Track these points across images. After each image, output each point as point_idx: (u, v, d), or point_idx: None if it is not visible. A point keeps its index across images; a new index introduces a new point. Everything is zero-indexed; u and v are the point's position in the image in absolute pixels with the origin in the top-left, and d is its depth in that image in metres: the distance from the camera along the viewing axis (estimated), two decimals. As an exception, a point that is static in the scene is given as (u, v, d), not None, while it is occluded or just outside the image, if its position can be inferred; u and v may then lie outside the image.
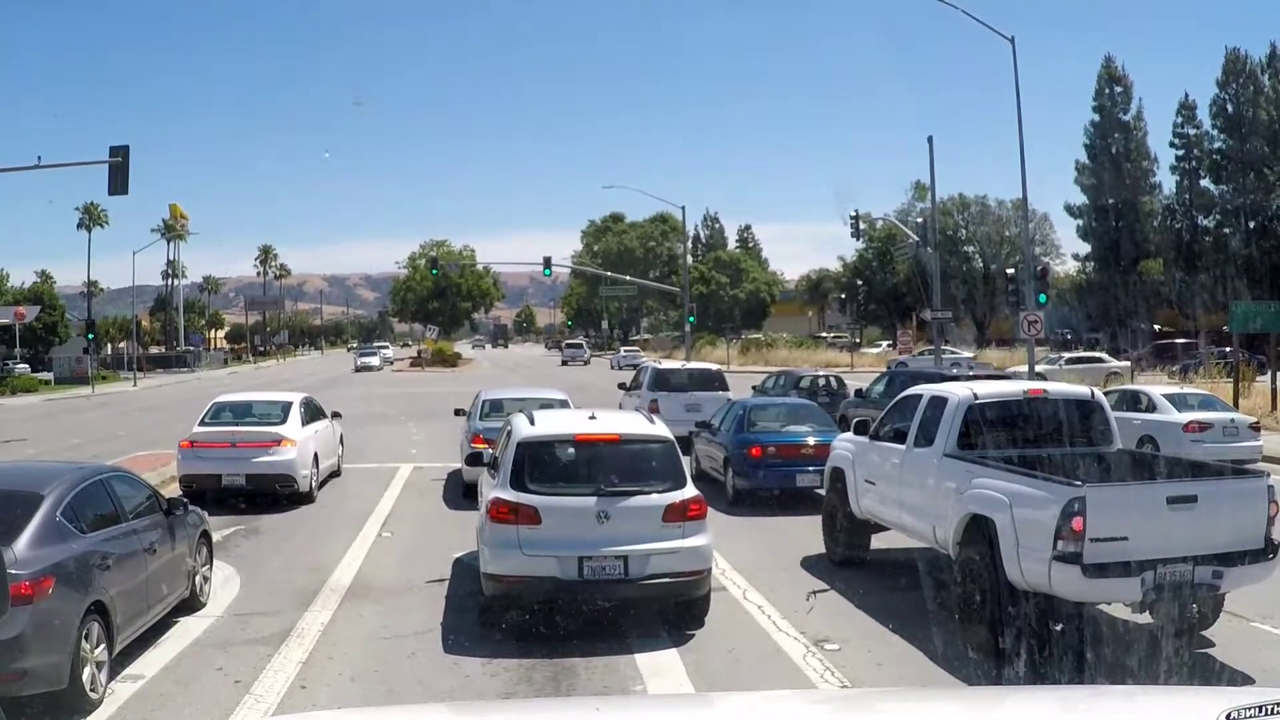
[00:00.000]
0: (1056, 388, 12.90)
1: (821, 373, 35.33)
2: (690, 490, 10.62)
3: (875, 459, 12.55)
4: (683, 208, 76.74)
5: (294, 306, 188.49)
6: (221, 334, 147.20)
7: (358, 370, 79.79)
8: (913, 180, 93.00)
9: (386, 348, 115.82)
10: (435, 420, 32.65)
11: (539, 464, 10.59)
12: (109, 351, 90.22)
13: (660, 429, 11.31)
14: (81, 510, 8.86)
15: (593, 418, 11.58)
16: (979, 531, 9.82)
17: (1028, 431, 11.34)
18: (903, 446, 11.83)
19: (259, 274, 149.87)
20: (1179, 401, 22.64)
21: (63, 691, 7.80)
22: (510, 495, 10.22)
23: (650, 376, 28.06)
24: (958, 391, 11.57)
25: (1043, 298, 31.84)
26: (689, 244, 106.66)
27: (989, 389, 12.18)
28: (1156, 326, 69.24)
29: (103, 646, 8.41)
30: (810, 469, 17.23)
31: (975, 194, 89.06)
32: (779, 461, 17.87)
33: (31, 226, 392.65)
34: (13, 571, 7.35)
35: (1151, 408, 22.33)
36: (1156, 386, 26.48)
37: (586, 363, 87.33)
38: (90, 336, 62.18)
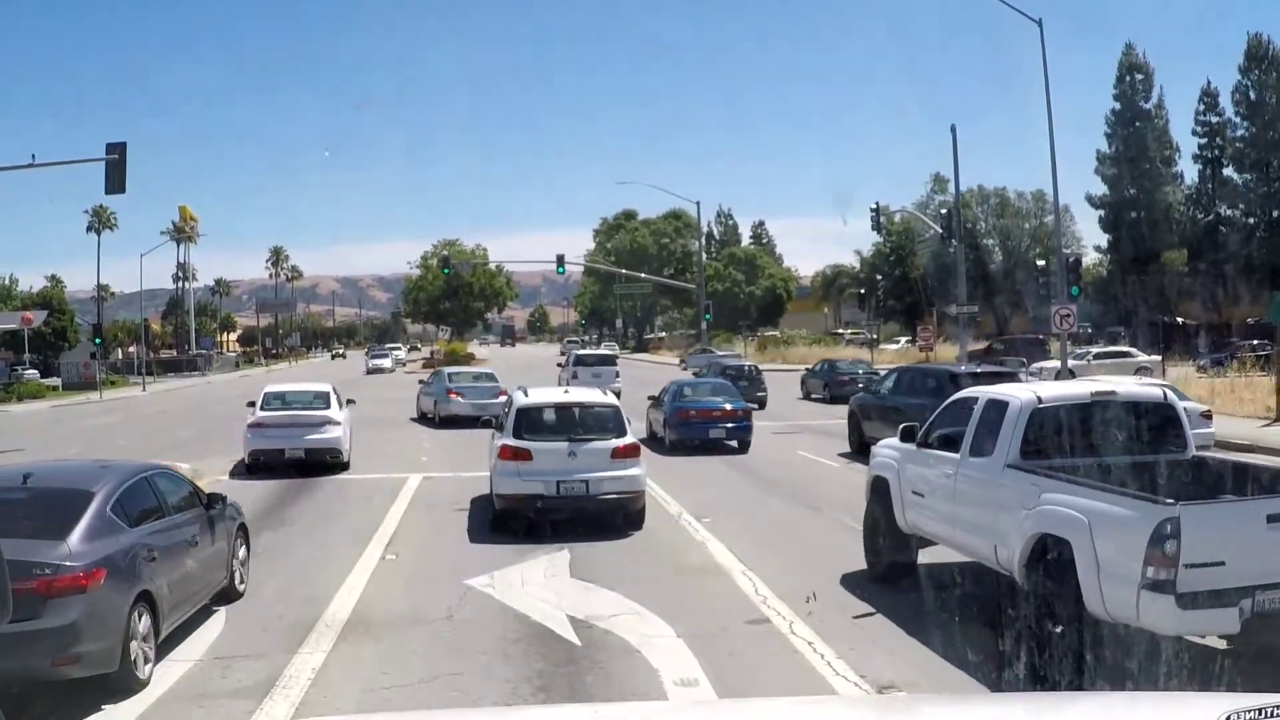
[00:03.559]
0: (1125, 388, 11.79)
1: (746, 362, 47.68)
2: (630, 438, 15.73)
3: (924, 469, 11.46)
4: (697, 203, 76.15)
5: (306, 308, 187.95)
6: (234, 337, 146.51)
7: (369, 372, 78.53)
8: (931, 173, 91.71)
9: (398, 349, 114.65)
10: (447, 426, 31.57)
11: (531, 421, 15.82)
12: (119, 356, 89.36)
13: (610, 398, 17.13)
14: (129, 505, 9.50)
15: (566, 391, 18.16)
16: (1051, 554, 8.76)
17: (1095, 438, 10.18)
18: (956, 455, 10.73)
19: (270, 276, 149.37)
20: None
21: (113, 674, 8.41)
22: (513, 442, 15.39)
23: (572, 357, 48.24)
24: (1019, 394, 10.51)
25: (1075, 290, 30.74)
26: (704, 240, 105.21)
27: (1052, 391, 11.03)
28: (1180, 320, 67.79)
29: (150, 633, 8.97)
30: (721, 426, 25.66)
31: (994, 186, 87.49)
32: (699, 421, 25.74)
33: (44, 232, 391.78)
34: (67, 564, 8.23)
35: None
36: (1118, 377, 26.30)
37: None
38: (98, 341, 61.40)
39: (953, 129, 40.01)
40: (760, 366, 44.95)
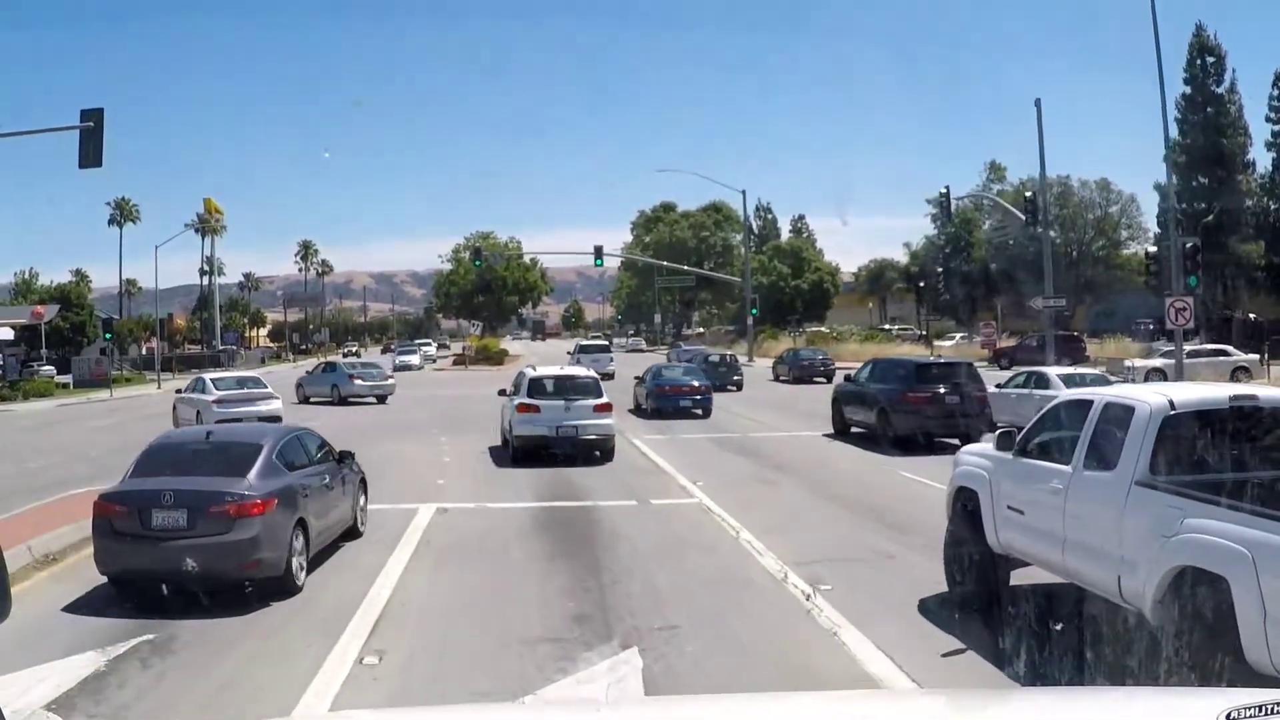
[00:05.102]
0: (1266, 393, 10.07)
1: (729, 353, 57.09)
2: (605, 398, 23.17)
3: (1024, 482, 9.91)
4: (743, 191, 73.04)
5: (338, 303, 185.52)
6: (264, 332, 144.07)
7: (396, 370, 74.68)
8: (987, 160, 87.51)
9: (428, 345, 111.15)
10: (473, 431, 28.05)
11: (539, 387, 23.03)
12: (140, 352, 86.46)
13: (592, 373, 24.94)
14: (286, 455, 12.24)
15: (563, 368, 26.51)
16: (1197, 591, 7.28)
17: (1235, 450, 8.60)
18: (1067, 468, 9.18)
19: (300, 270, 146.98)
20: (1070, 381, 25.06)
21: (279, 578, 11.21)
22: (527, 400, 22.62)
23: (577, 349, 65.46)
24: (1147, 399, 8.78)
25: (1193, 280, 26.88)
26: (748, 232, 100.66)
27: (1186, 395, 9.11)
28: (1252, 316, 63.71)
29: (304, 550, 11.78)
30: (689, 398, 33.18)
31: (1056, 174, 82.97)
32: (673, 394, 33.37)
33: (76, 229, 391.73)
34: (248, 493, 11.07)
35: (1045, 385, 25.60)
36: (1055, 368, 30.29)
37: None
38: (108, 336, 58.57)
39: (1037, 103, 36.44)
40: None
